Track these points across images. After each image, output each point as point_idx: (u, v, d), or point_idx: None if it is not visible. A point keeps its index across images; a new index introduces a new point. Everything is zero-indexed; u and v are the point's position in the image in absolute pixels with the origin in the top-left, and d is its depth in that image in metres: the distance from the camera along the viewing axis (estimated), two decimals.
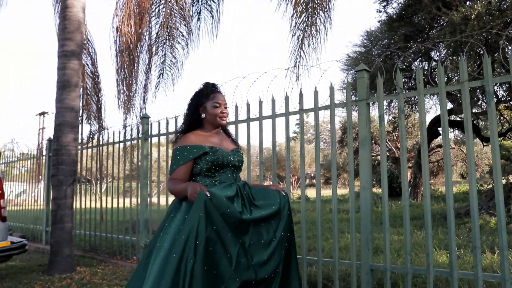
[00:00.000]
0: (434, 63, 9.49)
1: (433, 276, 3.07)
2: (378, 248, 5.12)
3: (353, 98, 3.90)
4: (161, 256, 2.03)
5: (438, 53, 9.47)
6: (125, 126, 6.04)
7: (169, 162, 2.19)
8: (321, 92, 4.16)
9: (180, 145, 2.35)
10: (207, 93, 2.46)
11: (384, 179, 3.38)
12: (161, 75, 8.53)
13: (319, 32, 6.67)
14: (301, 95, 3.93)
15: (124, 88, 7.48)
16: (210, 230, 2.01)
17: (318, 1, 6.69)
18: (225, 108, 2.48)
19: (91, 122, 8.72)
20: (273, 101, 4.09)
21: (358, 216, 3.69)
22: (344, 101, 3.73)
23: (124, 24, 7.07)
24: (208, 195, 2.06)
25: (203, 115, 2.44)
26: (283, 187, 2.43)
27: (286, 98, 4.01)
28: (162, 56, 8.48)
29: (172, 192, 2.27)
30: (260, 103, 4.17)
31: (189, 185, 2.14)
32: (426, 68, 9.64)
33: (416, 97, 11.86)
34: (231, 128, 4.65)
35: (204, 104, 2.45)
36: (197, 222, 1.99)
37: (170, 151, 5.26)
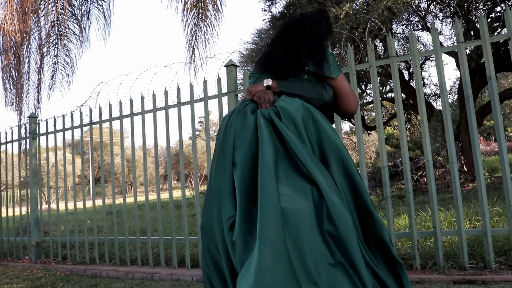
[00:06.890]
0: None
1: None
2: None
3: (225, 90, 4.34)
4: None
5: None
6: (18, 126, 5.90)
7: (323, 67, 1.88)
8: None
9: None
10: (330, 26, 1.99)
11: None
12: (54, 75, 8.34)
13: (208, 29, 7.08)
14: (178, 89, 4.30)
15: (11, 87, 7.25)
16: None
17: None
18: None
19: None
20: (154, 96, 4.41)
21: None
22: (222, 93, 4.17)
23: (7, 23, 6.87)
24: None
25: None
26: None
27: (166, 93, 4.36)
28: (54, 56, 8.30)
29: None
30: (142, 98, 4.48)
31: None
32: None
33: None
34: (116, 123, 4.90)
35: (327, 39, 1.99)
36: None
37: (59, 152, 5.36)
